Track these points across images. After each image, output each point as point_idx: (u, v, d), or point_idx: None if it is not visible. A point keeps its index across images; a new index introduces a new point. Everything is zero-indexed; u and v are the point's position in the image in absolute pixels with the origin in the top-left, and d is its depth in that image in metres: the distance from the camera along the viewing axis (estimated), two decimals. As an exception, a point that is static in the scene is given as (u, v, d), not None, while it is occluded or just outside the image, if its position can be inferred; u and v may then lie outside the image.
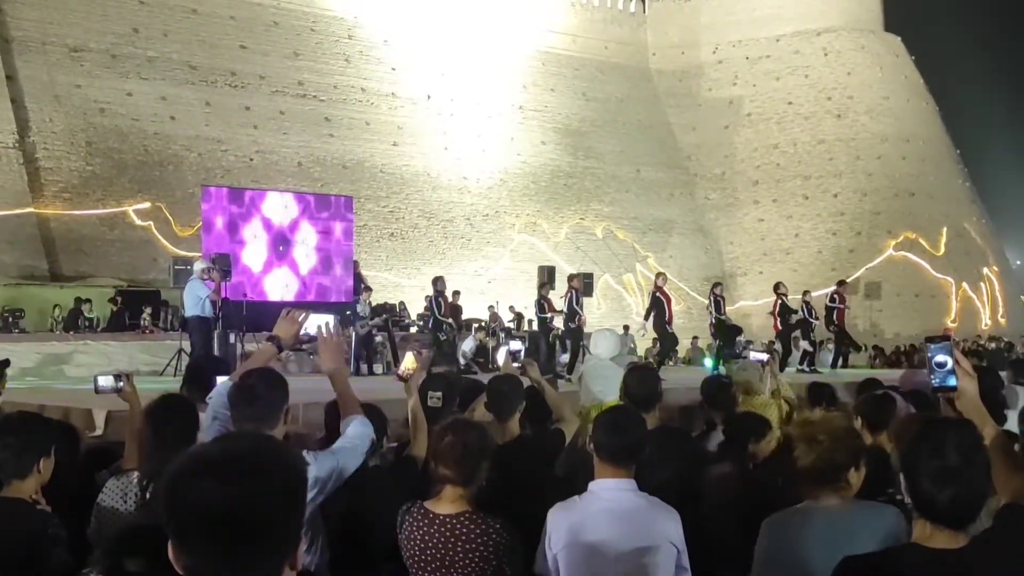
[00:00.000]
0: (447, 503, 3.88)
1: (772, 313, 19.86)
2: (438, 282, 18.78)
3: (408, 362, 5.18)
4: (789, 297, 20.12)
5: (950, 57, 56.57)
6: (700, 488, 5.32)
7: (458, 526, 3.82)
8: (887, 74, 44.54)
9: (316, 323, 4.61)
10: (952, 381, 3.17)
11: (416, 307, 26.82)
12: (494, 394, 5.59)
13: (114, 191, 30.10)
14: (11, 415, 4.41)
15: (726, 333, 19.64)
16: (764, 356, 8.48)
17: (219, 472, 1.68)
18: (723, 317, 19.54)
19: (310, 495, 3.72)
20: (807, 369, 19.35)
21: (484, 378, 6.66)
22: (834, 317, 20.21)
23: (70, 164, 29.86)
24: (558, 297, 19.30)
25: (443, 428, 4.07)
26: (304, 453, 3.81)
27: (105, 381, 5.61)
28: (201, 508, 1.66)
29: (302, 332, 4.63)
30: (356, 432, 4.09)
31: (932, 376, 3.22)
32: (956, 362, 3.18)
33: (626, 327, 32.32)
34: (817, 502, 3.60)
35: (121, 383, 5.59)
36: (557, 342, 20.06)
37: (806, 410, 5.08)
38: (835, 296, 20.41)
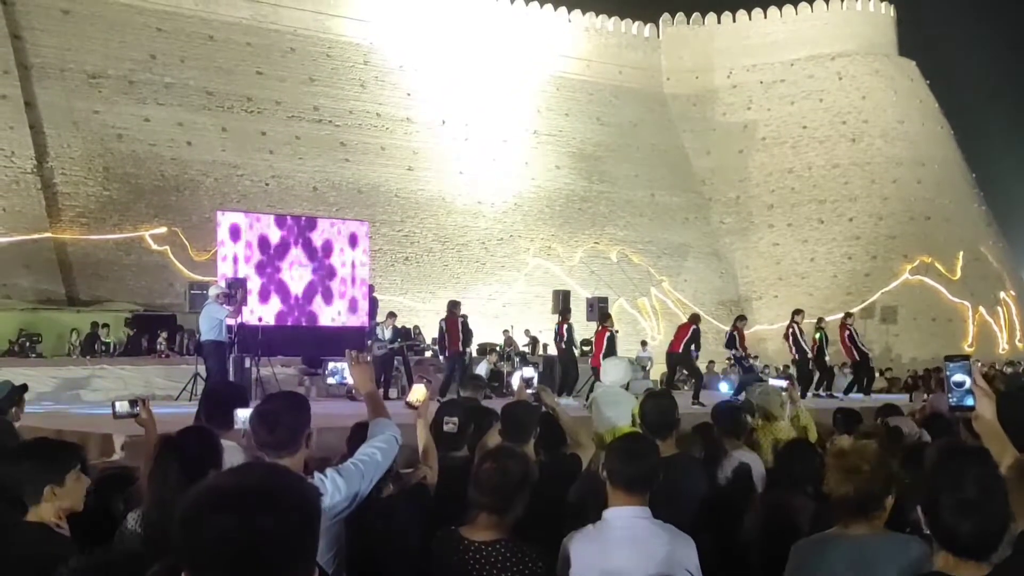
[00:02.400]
0: (482, 530, 3.86)
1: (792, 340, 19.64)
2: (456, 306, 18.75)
3: (419, 393, 5.19)
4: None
5: (964, 81, 56.57)
6: (718, 515, 5.30)
7: (493, 553, 3.80)
8: (902, 98, 44.52)
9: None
10: (970, 401, 3.14)
11: (431, 331, 26.78)
12: (508, 420, 5.59)
13: (131, 216, 30.28)
14: (29, 440, 4.43)
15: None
16: (785, 382, 8.45)
17: (233, 505, 1.68)
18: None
19: (332, 515, 3.74)
20: (823, 395, 19.26)
21: (498, 404, 6.65)
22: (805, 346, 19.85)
23: (87, 189, 30.08)
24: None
25: (485, 454, 4.08)
26: (322, 476, 3.82)
27: (122, 407, 5.68)
28: (215, 541, 1.66)
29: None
30: (384, 436, 4.16)
31: (950, 395, 3.20)
32: (974, 382, 3.15)
33: (643, 342, 32.27)
34: (847, 530, 3.59)
35: (137, 408, 5.64)
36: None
37: (843, 437, 5.02)
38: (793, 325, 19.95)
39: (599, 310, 20.78)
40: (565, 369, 19.44)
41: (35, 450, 4.04)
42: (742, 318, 20.11)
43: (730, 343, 18.92)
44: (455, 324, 18.46)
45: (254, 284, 19.94)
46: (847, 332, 20.58)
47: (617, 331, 18.35)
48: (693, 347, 17.78)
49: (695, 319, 18.46)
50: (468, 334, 18.77)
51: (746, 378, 17.94)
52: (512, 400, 6.49)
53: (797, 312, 19.82)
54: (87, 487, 4.04)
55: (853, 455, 3.65)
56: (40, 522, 3.80)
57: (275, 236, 21.20)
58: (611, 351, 17.35)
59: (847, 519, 3.61)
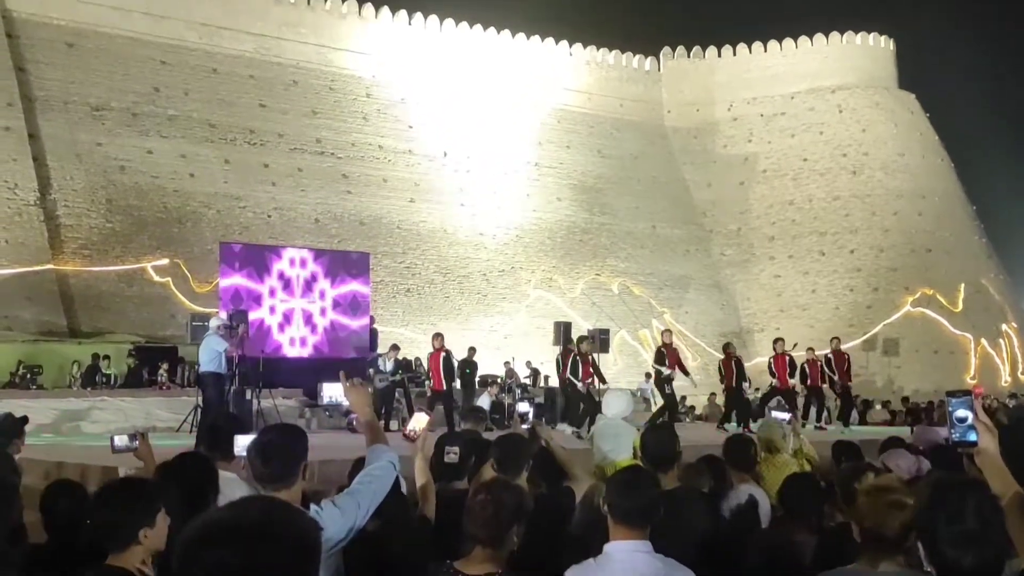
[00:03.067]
0: (476, 564, 3.82)
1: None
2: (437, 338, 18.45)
3: (419, 422, 5.15)
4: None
5: (964, 114, 56.75)
6: (720, 549, 5.26)
7: None
8: (902, 131, 44.68)
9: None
10: (972, 436, 3.13)
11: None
12: (501, 453, 5.57)
13: (133, 248, 30.33)
14: (116, 481, 4.28)
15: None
16: (787, 415, 8.42)
17: (230, 540, 1.68)
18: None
19: (330, 547, 3.71)
20: (825, 427, 19.23)
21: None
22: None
23: (90, 221, 30.15)
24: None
25: (478, 487, 4.06)
26: (318, 508, 3.80)
27: (120, 440, 5.66)
28: (214, 574, 1.66)
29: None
30: (381, 464, 4.11)
31: (952, 431, 3.18)
32: (976, 417, 3.14)
33: (647, 375, 32.15)
34: (876, 567, 3.50)
35: (136, 442, 5.62)
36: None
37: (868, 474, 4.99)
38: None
39: (580, 337, 20.61)
40: (567, 401, 19.36)
41: (125, 492, 3.89)
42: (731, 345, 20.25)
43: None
44: (436, 359, 17.85)
45: (255, 316, 19.96)
46: (846, 359, 20.65)
47: (588, 352, 18.22)
48: (668, 369, 17.96)
49: (664, 337, 18.66)
50: (451, 370, 18.13)
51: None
52: (504, 433, 6.48)
53: (777, 340, 19.98)
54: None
55: (898, 491, 3.57)
56: (123, 568, 3.71)
57: (277, 268, 21.24)
58: (575, 373, 17.48)
59: (880, 556, 3.51)
